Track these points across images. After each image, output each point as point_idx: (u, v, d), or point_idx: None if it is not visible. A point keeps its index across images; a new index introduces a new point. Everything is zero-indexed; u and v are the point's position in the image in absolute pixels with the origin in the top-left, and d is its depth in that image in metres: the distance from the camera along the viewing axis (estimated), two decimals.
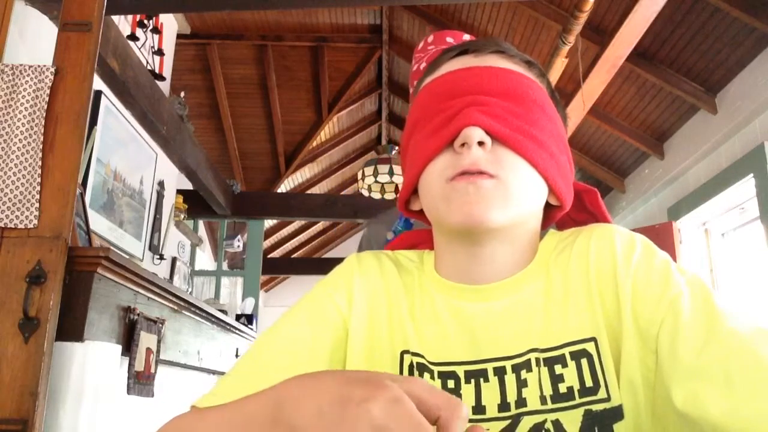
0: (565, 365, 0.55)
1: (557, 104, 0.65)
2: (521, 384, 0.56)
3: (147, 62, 3.24)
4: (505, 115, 0.58)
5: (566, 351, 0.56)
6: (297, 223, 7.53)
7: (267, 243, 7.08)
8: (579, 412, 0.53)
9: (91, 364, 1.61)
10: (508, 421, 0.55)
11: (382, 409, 0.32)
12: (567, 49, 2.82)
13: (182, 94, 3.64)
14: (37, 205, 1.57)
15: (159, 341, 2.06)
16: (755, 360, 0.47)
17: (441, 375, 0.58)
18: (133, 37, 3.05)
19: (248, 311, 4.14)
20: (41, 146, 1.61)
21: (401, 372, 0.60)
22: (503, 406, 0.55)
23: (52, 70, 1.68)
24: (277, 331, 0.63)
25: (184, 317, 2.45)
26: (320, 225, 8.09)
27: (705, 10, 2.78)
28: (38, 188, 1.58)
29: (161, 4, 2.61)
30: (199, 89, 4.91)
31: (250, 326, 3.87)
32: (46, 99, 1.65)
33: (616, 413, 0.53)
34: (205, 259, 5.41)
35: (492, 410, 0.56)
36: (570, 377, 0.55)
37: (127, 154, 3.13)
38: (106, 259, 1.64)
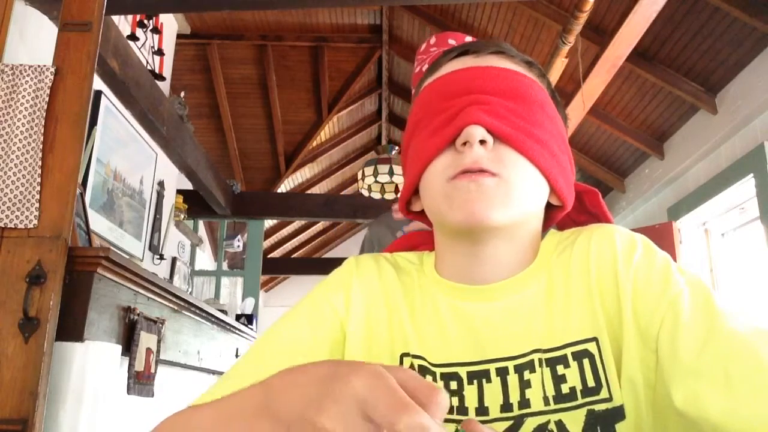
0: (567, 365, 0.55)
1: (558, 105, 0.65)
2: (524, 385, 0.56)
3: (147, 62, 3.24)
4: (507, 115, 0.59)
5: (568, 351, 0.56)
6: (297, 223, 7.53)
7: (267, 243, 7.08)
8: (582, 413, 0.53)
9: (91, 364, 1.61)
10: (510, 422, 0.55)
11: (365, 383, 0.32)
12: (567, 49, 2.82)
13: (182, 94, 3.64)
14: (37, 205, 1.57)
15: (159, 341, 2.05)
16: (755, 360, 0.47)
17: (443, 376, 0.58)
18: (133, 37, 3.05)
19: (248, 311, 4.14)
20: (41, 146, 1.61)
21: None
22: (506, 406, 0.55)
23: (52, 70, 1.68)
24: (276, 333, 0.63)
25: (184, 317, 2.45)
26: (320, 225, 8.09)
27: (705, 10, 2.78)
28: (38, 188, 1.58)
29: (161, 4, 2.62)
30: (199, 89, 4.91)
31: (250, 326, 3.87)
32: (46, 99, 1.65)
33: (618, 413, 0.53)
34: (205, 259, 5.41)
35: (495, 411, 0.56)
36: (572, 377, 0.55)
37: (127, 154, 3.13)
38: (106, 259, 1.64)
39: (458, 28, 4.09)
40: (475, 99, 0.59)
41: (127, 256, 2.57)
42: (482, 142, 0.57)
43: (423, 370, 0.59)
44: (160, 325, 2.07)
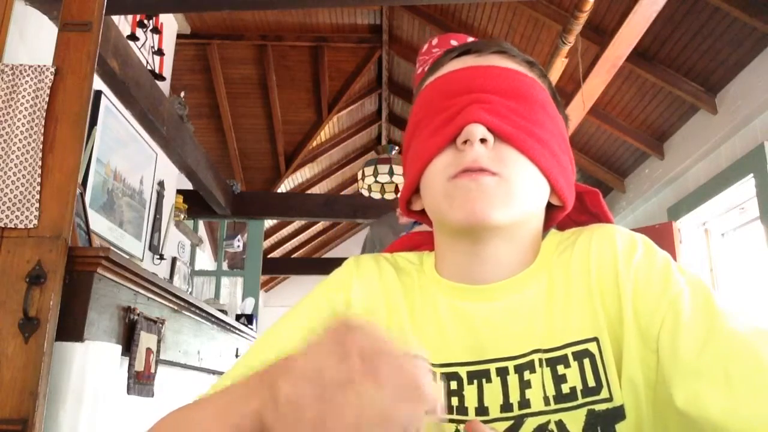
0: (567, 365, 0.55)
1: (558, 105, 0.65)
2: (524, 385, 0.56)
3: (147, 62, 3.24)
4: (508, 114, 0.59)
5: (569, 351, 0.56)
6: (297, 223, 7.53)
7: (267, 243, 7.08)
8: (582, 413, 0.53)
9: (91, 364, 1.61)
10: (511, 422, 0.55)
11: (369, 339, 0.34)
12: (567, 49, 2.82)
13: (182, 94, 3.64)
14: (37, 205, 1.57)
15: (159, 341, 2.05)
16: (755, 360, 0.47)
17: (443, 376, 0.58)
18: (133, 37, 3.05)
19: (248, 311, 4.14)
20: (41, 146, 1.61)
21: None
22: (506, 406, 0.55)
23: (52, 70, 1.68)
24: (275, 334, 0.63)
25: (184, 317, 2.45)
26: (320, 225, 8.09)
27: (705, 10, 2.78)
28: (38, 188, 1.58)
29: (161, 4, 2.62)
30: (199, 89, 4.91)
31: (250, 326, 3.87)
32: (46, 99, 1.65)
33: (618, 413, 0.53)
34: (205, 259, 5.41)
35: (495, 411, 0.56)
36: (573, 377, 0.55)
37: (127, 154, 3.13)
38: (106, 259, 1.64)
39: (458, 28, 4.09)
40: (476, 98, 0.59)
41: (127, 256, 2.57)
42: (483, 140, 0.57)
43: None
44: (160, 325, 2.07)
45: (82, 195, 2.27)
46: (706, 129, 3.20)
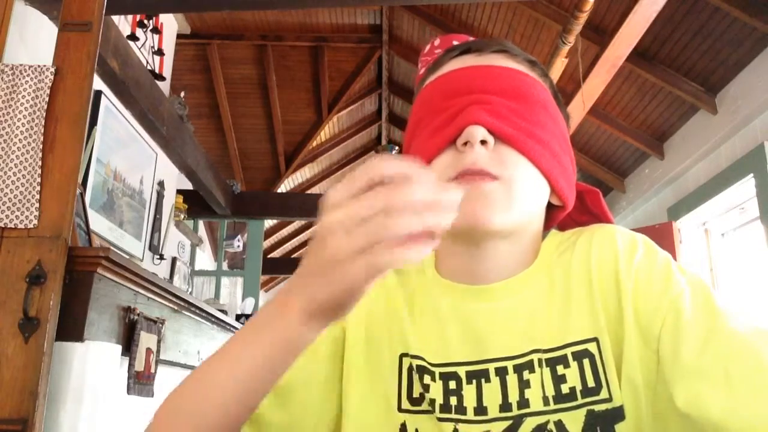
0: (567, 366, 0.55)
1: (560, 104, 0.65)
2: (523, 385, 0.56)
3: (147, 62, 3.24)
4: (508, 114, 0.58)
5: (568, 351, 0.56)
6: (297, 223, 7.52)
7: (267, 243, 7.08)
8: (581, 413, 0.53)
9: (91, 364, 1.61)
10: (510, 422, 0.55)
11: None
12: (567, 49, 2.82)
13: (182, 94, 3.64)
14: (37, 205, 1.57)
15: (159, 341, 2.05)
16: (756, 360, 0.47)
17: (442, 376, 0.58)
18: (133, 37, 3.05)
19: (248, 311, 4.14)
20: (41, 146, 1.61)
21: (400, 375, 0.60)
22: (505, 406, 0.55)
23: (52, 70, 1.67)
24: None
25: (184, 317, 2.45)
26: None
27: (705, 10, 2.78)
28: (38, 188, 1.58)
29: (161, 4, 2.61)
30: (199, 89, 4.91)
31: None
32: (46, 99, 1.65)
33: (618, 413, 0.53)
34: (205, 259, 5.41)
35: (494, 411, 0.55)
36: (572, 378, 0.55)
37: (127, 154, 3.13)
38: (106, 259, 1.64)
39: (458, 28, 4.09)
40: (477, 98, 0.59)
41: (127, 256, 2.57)
42: (483, 142, 0.57)
43: (421, 371, 0.59)
44: (160, 325, 2.07)
45: (82, 195, 2.27)
46: (706, 129, 3.20)
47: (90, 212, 2.46)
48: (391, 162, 0.40)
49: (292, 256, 8.45)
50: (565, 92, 3.43)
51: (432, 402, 0.57)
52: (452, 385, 0.58)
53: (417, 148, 0.62)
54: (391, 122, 6.35)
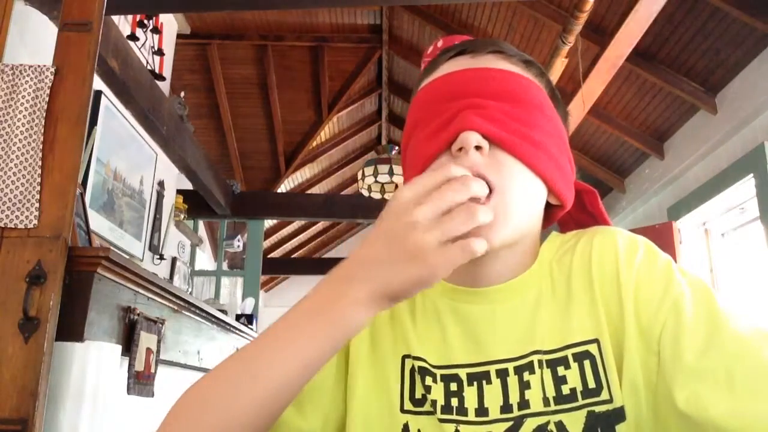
0: (567, 367, 0.55)
1: (557, 103, 0.65)
2: (524, 386, 0.56)
3: (147, 62, 3.24)
4: (503, 118, 0.58)
5: (569, 353, 0.56)
6: (297, 223, 7.53)
7: (267, 243, 7.08)
8: (582, 414, 0.53)
9: (91, 364, 1.60)
10: (510, 423, 0.55)
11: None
12: (567, 49, 2.81)
13: (182, 94, 3.64)
14: (37, 205, 1.57)
15: (159, 341, 2.05)
16: (757, 362, 0.47)
17: (443, 378, 0.58)
18: (133, 37, 3.05)
19: (248, 311, 4.14)
20: (41, 146, 1.61)
21: (403, 376, 0.60)
22: (506, 407, 0.55)
23: (52, 70, 1.67)
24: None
25: (184, 317, 2.45)
26: (320, 225, 8.09)
27: (705, 10, 2.78)
28: (38, 188, 1.58)
29: (161, 4, 2.61)
30: (199, 89, 4.91)
31: (250, 326, 3.87)
32: (46, 99, 1.64)
33: (619, 414, 0.53)
34: (205, 259, 5.41)
35: (495, 412, 0.56)
36: (573, 379, 0.55)
37: (127, 154, 3.13)
38: (106, 259, 1.63)
39: (458, 28, 4.10)
40: (471, 103, 0.58)
41: (127, 256, 2.57)
42: (478, 147, 0.57)
43: (423, 372, 0.59)
44: (160, 325, 2.07)
45: (82, 195, 2.27)
46: (706, 129, 3.20)
47: (90, 212, 2.46)
48: (457, 166, 0.49)
49: (292, 256, 8.45)
50: (565, 92, 3.43)
51: (433, 403, 0.57)
52: (453, 386, 0.58)
53: (413, 151, 0.62)
54: (391, 122, 6.35)
